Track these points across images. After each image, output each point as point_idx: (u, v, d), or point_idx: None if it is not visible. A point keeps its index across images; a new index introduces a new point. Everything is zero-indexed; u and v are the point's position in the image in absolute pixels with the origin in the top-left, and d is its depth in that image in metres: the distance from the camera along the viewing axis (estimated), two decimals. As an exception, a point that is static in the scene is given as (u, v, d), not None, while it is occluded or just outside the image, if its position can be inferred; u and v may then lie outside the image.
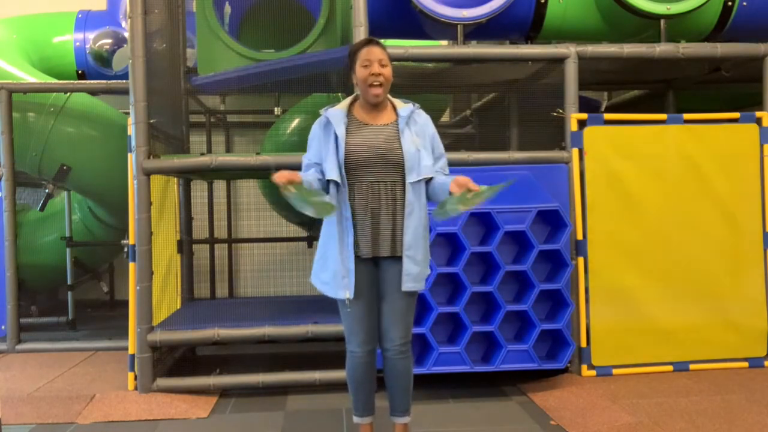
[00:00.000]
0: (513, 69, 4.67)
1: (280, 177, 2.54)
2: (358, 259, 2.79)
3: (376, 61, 2.77)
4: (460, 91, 6.37)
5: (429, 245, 2.93)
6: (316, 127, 2.90)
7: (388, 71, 2.79)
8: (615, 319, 4.18)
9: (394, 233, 2.79)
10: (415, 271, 2.79)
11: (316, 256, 2.90)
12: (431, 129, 2.92)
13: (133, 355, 3.98)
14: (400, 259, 2.79)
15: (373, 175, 2.78)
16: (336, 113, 2.85)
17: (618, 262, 4.20)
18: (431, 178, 2.86)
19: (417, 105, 2.93)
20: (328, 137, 2.83)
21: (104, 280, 6.84)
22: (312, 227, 6.34)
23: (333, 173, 2.77)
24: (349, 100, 2.93)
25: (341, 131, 2.80)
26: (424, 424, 3.44)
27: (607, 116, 4.31)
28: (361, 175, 2.78)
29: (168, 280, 4.53)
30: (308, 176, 2.76)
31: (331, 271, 2.80)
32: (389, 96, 2.91)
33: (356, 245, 2.78)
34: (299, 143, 5.53)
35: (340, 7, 4.64)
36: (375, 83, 2.76)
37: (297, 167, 3.99)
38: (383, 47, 2.84)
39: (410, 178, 2.78)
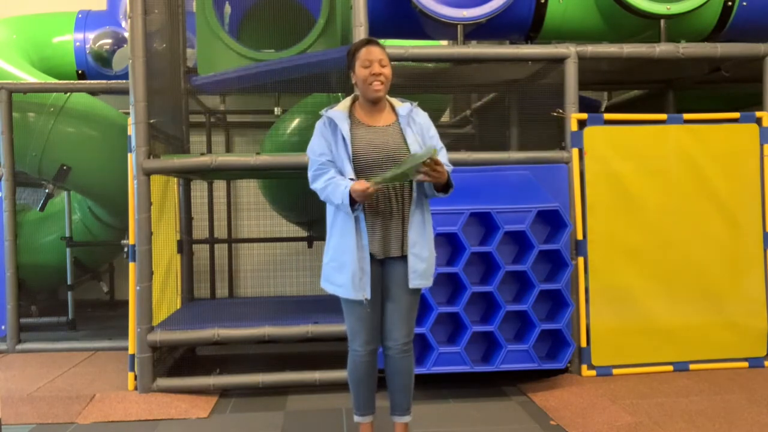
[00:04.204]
0: (513, 69, 4.67)
1: (363, 195, 2.63)
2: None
3: (377, 61, 2.78)
4: (460, 91, 6.37)
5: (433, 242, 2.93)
6: (321, 127, 2.88)
7: (388, 71, 2.81)
8: (615, 319, 4.18)
9: (404, 233, 2.80)
10: (422, 267, 2.80)
11: (326, 259, 2.88)
12: (430, 125, 2.92)
13: (133, 355, 3.98)
14: (405, 257, 2.80)
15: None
16: (338, 114, 2.84)
17: (618, 262, 4.20)
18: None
19: (415, 103, 2.93)
20: (336, 139, 2.81)
21: (104, 280, 6.84)
22: (312, 227, 6.35)
23: (352, 175, 2.76)
24: (348, 101, 2.93)
25: (347, 134, 2.79)
26: (424, 424, 3.44)
27: (607, 116, 4.31)
28: (369, 177, 2.76)
29: (168, 280, 4.53)
30: (339, 185, 2.73)
31: (349, 273, 2.77)
32: (387, 96, 2.91)
33: (369, 247, 2.78)
34: (299, 143, 5.53)
35: (340, 7, 4.64)
36: (376, 82, 2.77)
37: (297, 167, 4.04)
38: (382, 47, 2.85)
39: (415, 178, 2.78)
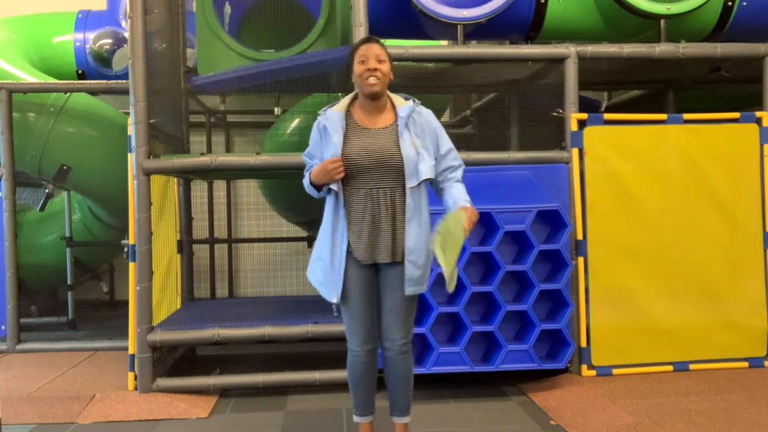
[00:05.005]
0: (513, 69, 4.67)
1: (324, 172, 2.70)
2: (357, 262, 2.78)
3: (373, 56, 2.74)
4: (460, 91, 6.38)
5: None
6: (315, 130, 2.89)
7: (385, 67, 2.77)
8: (615, 319, 4.18)
9: (394, 240, 2.76)
10: (417, 275, 2.78)
11: (313, 254, 2.90)
12: (434, 124, 2.86)
13: (133, 355, 3.98)
14: (400, 262, 2.78)
15: (372, 182, 2.75)
16: (334, 117, 2.82)
17: (618, 262, 4.20)
18: (433, 179, 2.84)
19: (418, 102, 2.87)
20: (327, 143, 2.80)
21: (104, 280, 6.85)
22: (312, 227, 6.34)
23: (332, 183, 2.77)
24: (348, 99, 2.88)
25: (339, 139, 2.77)
26: (424, 424, 3.44)
27: (607, 116, 4.31)
28: (359, 182, 2.75)
29: (168, 280, 4.53)
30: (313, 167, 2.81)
31: (323, 273, 2.82)
32: (389, 93, 2.87)
33: (355, 251, 2.77)
34: (299, 143, 5.53)
35: (340, 7, 4.64)
36: (371, 78, 2.73)
37: (297, 167, 4.03)
38: (382, 45, 2.82)
39: (410, 183, 2.74)
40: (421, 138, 2.80)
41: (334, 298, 2.80)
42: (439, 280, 3.90)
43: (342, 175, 2.71)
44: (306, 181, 2.85)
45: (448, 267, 2.61)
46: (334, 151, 2.76)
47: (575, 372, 4.19)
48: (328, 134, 2.80)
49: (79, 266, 6.24)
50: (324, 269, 2.82)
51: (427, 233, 2.84)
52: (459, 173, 2.89)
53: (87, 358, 4.92)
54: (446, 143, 2.87)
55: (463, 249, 3.85)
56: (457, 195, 2.81)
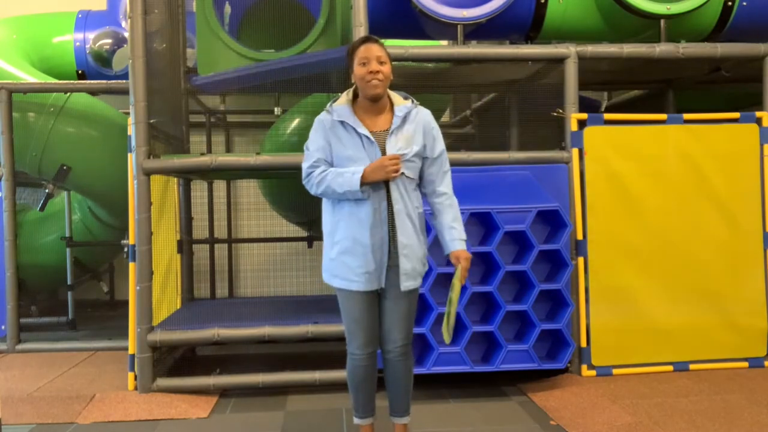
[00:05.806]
0: (513, 69, 4.67)
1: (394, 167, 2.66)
2: None
3: (374, 58, 2.69)
4: (460, 91, 6.38)
5: (427, 243, 2.89)
6: (321, 124, 2.79)
7: (386, 68, 2.72)
8: (615, 319, 4.19)
9: (390, 247, 2.74)
10: (409, 267, 2.74)
11: (334, 253, 2.80)
12: (432, 125, 2.83)
13: (133, 355, 3.98)
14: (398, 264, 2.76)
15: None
16: (346, 114, 2.76)
17: (618, 262, 4.20)
18: (423, 180, 2.83)
19: (417, 103, 2.84)
20: (355, 144, 2.73)
21: (104, 280, 6.85)
22: (312, 227, 6.35)
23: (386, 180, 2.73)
24: (350, 100, 2.82)
25: (366, 132, 2.73)
26: (424, 424, 3.44)
27: (607, 116, 4.32)
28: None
29: (168, 280, 4.53)
30: (343, 173, 2.71)
31: (359, 268, 2.74)
32: (389, 92, 2.82)
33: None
34: (299, 143, 5.50)
35: (340, 7, 4.64)
36: (373, 81, 2.69)
37: (297, 167, 4.00)
38: (381, 44, 2.77)
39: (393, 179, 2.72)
40: (412, 136, 2.76)
41: (376, 285, 2.74)
42: (438, 280, 3.91)
43: (398, 174, 2.67)
44: (339, 186, 2.68)
45: (450, 324, 2.83)
46: (371, 146, 2.71)
47: (575, 372, 4.19)
48: (345, 135, 2.74)
49: (79, 266, 6.24)
50: (361, 263, 2.72)
51: (421, 226, 2.81)
52: (449, 188, 2.85)
53: (87, 358, 4.92)
54: (440, 145, 2.85)
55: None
56: (453, 233, 2.79)
